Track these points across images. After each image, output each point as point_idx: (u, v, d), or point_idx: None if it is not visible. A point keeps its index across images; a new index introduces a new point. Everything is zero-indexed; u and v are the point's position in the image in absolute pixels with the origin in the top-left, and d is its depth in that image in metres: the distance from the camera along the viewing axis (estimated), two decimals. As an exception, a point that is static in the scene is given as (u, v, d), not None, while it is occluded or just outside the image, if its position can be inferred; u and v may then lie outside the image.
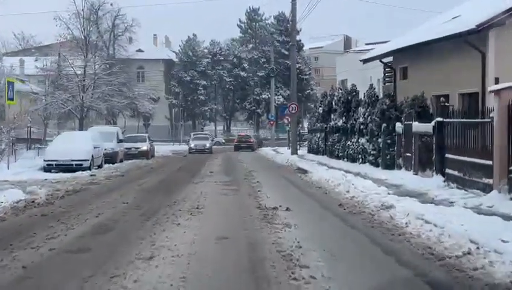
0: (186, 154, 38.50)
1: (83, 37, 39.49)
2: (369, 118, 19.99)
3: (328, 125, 27.42)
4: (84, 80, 37.84)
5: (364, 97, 21.07)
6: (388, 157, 17.92)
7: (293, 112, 32.26)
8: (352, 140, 22.13)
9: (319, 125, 30.83)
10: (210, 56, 75.95)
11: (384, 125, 18.09)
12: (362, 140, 20.57)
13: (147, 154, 33.24)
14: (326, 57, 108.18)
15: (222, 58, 75.89)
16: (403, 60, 25.63)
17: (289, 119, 44.07)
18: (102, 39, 51.77)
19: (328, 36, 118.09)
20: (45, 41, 47.29)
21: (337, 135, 25.27)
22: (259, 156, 36.07)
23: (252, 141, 48.99)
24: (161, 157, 34.94)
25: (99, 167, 24.17)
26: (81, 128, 36.53)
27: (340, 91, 26.42)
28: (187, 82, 73.01)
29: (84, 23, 39.66)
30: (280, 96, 74.22)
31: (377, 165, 18.89)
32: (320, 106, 31.03)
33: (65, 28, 38.98)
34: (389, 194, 11.92)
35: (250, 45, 78.83)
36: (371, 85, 21.52)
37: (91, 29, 40.52)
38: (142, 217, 9.80)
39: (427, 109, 16.21)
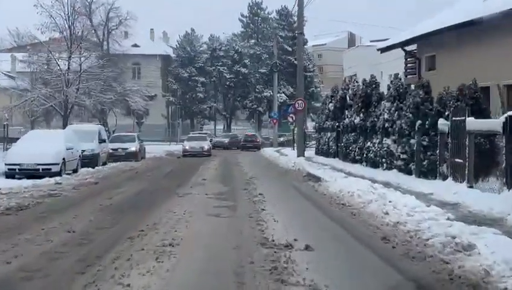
0: (180, 156, 34.83)
1: (67, 26, 35.86)
2: (396, 114, 16.34)
3: (341, 123, 23.77)
4: (67, 74, 34.24)
5: (389, 89, 17.38)
6: (425, 162, 14.22)
7: (300, 108, 28.59)
8: (374, 141, 18.46)
9: (329, 123, 27.17)
10: (209, 52, 72.36)
11: (419, 122, 14.42)
12: (387, 141, 16.90)
13: (136, 156, 29.64)
14: (330, 54, 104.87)
15: (222, 54, 72.18)
16: (430, 47, 22.03)
17: (294, 118, 40.47)
18: (91, 28, 48.04)
19: (331, 33, 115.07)
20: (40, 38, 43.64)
21: (352, 134, 21.62)
22: (261, 158, 32.41)
23: (258, 140, 48.23)
24: (152, 159, 31.29)
25: (75, 171, 20.59)
26: (64, 127, 32.89)
27: (357, 84, 22.76)
28: (185, 79, 69.34)
29: (69, 10, 36.01)
30: (283, 95, 70.65)
31: (409, 172, 15.22)
32: (330, 102, 27.36)
33: (47, 16, 35.34)
34: (449, 219, 8.28)
35: (252, 40, 75.19)
36: (396, 75, 17.86)
37: (77, 17, 36.81)
38: (77, 264, 6.13)
39: (480, 101, 12.55)
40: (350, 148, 21.81)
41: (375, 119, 18.40)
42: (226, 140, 50.36)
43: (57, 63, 34.48)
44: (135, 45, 66.71)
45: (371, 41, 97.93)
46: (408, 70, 23.74)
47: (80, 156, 21.71)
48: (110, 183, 16.94)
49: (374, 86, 20.08)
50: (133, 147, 30.07)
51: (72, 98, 34.60)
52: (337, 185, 13.89)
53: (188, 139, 39.12)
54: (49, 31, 36.01)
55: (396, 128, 16.03)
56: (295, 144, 39.72)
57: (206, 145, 36.68)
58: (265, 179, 17.54)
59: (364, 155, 19.58)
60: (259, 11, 77.31)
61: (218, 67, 71.19)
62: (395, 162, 16.26)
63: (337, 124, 25.13)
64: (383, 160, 17.23)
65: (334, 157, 25.50)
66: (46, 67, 35.41)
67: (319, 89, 77.37)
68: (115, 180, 18.12)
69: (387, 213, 9.30)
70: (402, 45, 22.40)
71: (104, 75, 37.34)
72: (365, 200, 10.85)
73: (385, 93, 18.84)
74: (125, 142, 30.52)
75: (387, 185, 13.21)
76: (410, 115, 15.02)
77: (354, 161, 21.22)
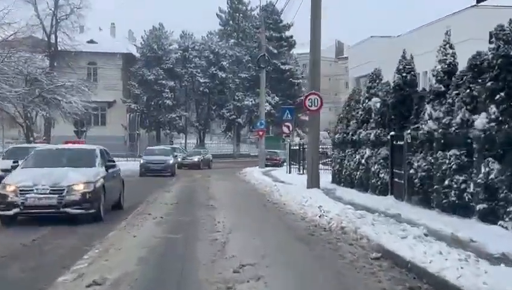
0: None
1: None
2: None
3: (408, 132, 12.30)
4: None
5: None
6: None
7: (314, 108, 16.96)
8: None
9: (366, 133, 15.74)
10: (180, 51, 60.59)
11: None
12: None
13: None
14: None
15: (195, 54, 60.57)
16: None
17: (290, 128, 28.96)
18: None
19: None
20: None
21: (452, 152, 10.11)
22: (247, 189, 20.45)
23: (278, 159, 41.66)
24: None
25: None
26: None
27: (451, 50, 11.30)
28: (150, 82, 57.40)
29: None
30: (267, 104, 58.90)
31: None
32: (369, 97, 15.99)
33: None
34: None
35: (232, 40, 63.91)
36: None
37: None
38: None
39: None
40: (444, 183, 10.26)
41: None
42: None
43: None
44: (91, 41, 55.91)
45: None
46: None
47: None
48: None
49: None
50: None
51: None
52: None
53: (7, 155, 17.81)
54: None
55: None
56: (295, 165, 28.26)
57: (82, 183, 10.83)
58: (281, 278, 5.95)
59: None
60: (240, 6, 66.20)
61: (191, 69, 59.60)
62: None
63: (391, 134, 13.65)
64: None
65: (383, 193, 13.97)
66: None
67: (308, 99, 66.08)
68: None
69: None
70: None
71: (18, 61, 25.52)
72: None
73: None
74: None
75: None
76: None
77: (453, 208, 9.76)
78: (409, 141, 12.22)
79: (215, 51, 60.52)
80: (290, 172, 27.69)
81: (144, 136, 59.98)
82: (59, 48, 47.23)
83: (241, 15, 65.76)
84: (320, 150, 28.25)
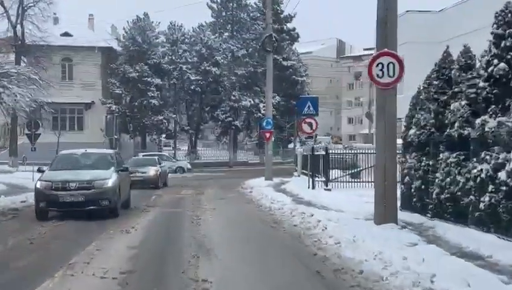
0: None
1: None
2: None
3: None
4: None
5: None
6: None
7: (388, 79, 9.25)
8: None
9: (498, 124, 8.02)
10: (168, 44, 53.43)
11: None
12: None
13: None
14: (317, 63, 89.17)
15: (186, 48, 53.39)
16: None
17: (314, 126, 21.09)
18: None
19: (318, 41, 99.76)
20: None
21: None
22: (266, 223, 12.24)
23: None
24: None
25: None
26: None
27: None
28: (134, 80, 50.05)
29: None
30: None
31: None
32: (506, 50, 8.25)
33: None
34: None
35: (226, 33, 56.62)
36: None
37: None
38: None
39: None
40: None
41: None
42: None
43: None
44: (66, 34, 49.10)
45: (364, 49, 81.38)
46: None
47: None
48: None
49: None
50: None
51: None
52: None
53: None
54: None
55: None
56: (319, 176, 20.44)
57: None
58: None
59: None
60: (234, -5, 58.80)
61: (180, 65, 52.37)
62: None
63: None
64: None
65: None
66: None
67: (312, 98, 58.75)
68: None
69: None
70: None
71: None
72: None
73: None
74: None
75: None
76: None
77: None
78: None
79: (208, 44, 53.26)
80: (313, 187, 19.91)
81: (127, 142, 52.59)
82: (26, 41, 40.75)
83: (234, 5, 58.29)
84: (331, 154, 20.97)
